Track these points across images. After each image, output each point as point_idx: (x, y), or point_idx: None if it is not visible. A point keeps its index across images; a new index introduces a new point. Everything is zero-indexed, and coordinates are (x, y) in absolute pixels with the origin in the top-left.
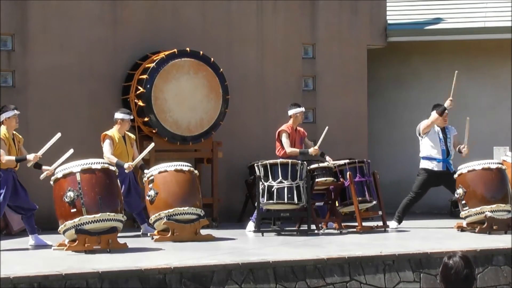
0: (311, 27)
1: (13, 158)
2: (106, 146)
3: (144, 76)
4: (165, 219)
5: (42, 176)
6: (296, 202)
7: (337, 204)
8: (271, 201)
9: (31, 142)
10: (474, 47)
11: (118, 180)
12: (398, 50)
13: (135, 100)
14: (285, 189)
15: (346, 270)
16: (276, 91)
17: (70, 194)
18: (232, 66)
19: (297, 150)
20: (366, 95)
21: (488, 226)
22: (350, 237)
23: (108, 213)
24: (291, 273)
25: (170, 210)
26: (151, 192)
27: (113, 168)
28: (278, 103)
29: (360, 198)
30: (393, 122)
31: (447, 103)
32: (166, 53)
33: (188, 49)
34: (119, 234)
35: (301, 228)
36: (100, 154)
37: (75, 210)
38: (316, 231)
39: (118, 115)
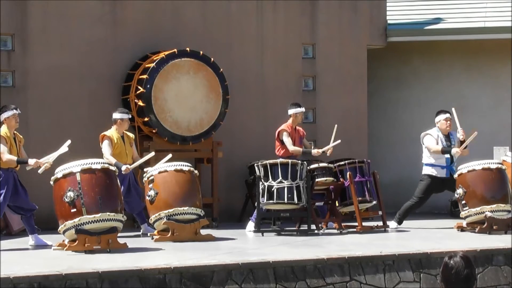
0: (311, 27)
1: (14, 158)
2: (105, 147)
3: (144, 76)
4: (165, 219)
5: (40, 170)
6: (296, 202)
7: (337, 204)
8: (271, 201)
9: (31, 142)
10: (474, 47)
11: (118, 180)
12: (398, 50)
13: (135, 100)
14: (285, 189)
15: (346, 270)
16: (276, 91)
17: (70, 194)
18: (232, 66)
19: (300, 149)
20: (366, 95)
21: (488, 226)
22: (350, 237)
23: (108, 213)
24: (291, 273)
25: (170, 210)
26: (151, 192)
27: (113, 168)
28: (278, 103)
29: (360, 198)
30: (393, 122)
31: (453, 151)
32: (166, 53)
33: (188, 49)
34: (119, 234)
35: (301, 228)
36: (100, 154)
37: (75, 210)
38: (316, 231)
39: (116, 115)
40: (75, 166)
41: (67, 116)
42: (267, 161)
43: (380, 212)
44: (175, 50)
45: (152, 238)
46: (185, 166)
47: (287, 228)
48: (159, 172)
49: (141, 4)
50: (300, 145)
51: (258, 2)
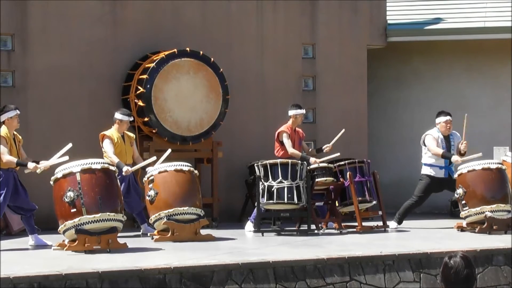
0: (311, 27)
1: (14, 160)
2: (107, 146)
3: (144, 76)
4: (165, 219)
5: (39, 170)
6: (296, 202)
7: (337, 204)
8: (271, 201)
9: (31, 142)
10: (474, 47)
11: (118, 180)
12: (398, 50)
13: (135, 100)
14: (285, 189)
15: (346, 270)
16: (276, 91)
17: (70, 194)
18: (232, 66)
19: (299, 154)
20: (366, 95)
21: (488, 226)
22: (350, 237)
23: (108, 213)
24: (291, 273)
25: (170, 210)
26: (151, 192)
27: (113, 168)
28: (278, 103)
29: (360, 198)
30: (393, 122)
31: (453, 159)
32: (166, 53)
33: (188, 49)
34: (119, 234)
35: (301, 228)
36: (100, 154)
37: (75, 210)
38: (316, 231)
39: (117, 115)
40: (75, 166)
41: (67, 116)
42: (267, 161)
43: (380, 212)
44: (175, 50)
45: (152, 238)
46: (185, 166)
47: (287, 228)
48: (159, 172)
49: (141, 4)
50: (300, 147)
51: (258, 2)
